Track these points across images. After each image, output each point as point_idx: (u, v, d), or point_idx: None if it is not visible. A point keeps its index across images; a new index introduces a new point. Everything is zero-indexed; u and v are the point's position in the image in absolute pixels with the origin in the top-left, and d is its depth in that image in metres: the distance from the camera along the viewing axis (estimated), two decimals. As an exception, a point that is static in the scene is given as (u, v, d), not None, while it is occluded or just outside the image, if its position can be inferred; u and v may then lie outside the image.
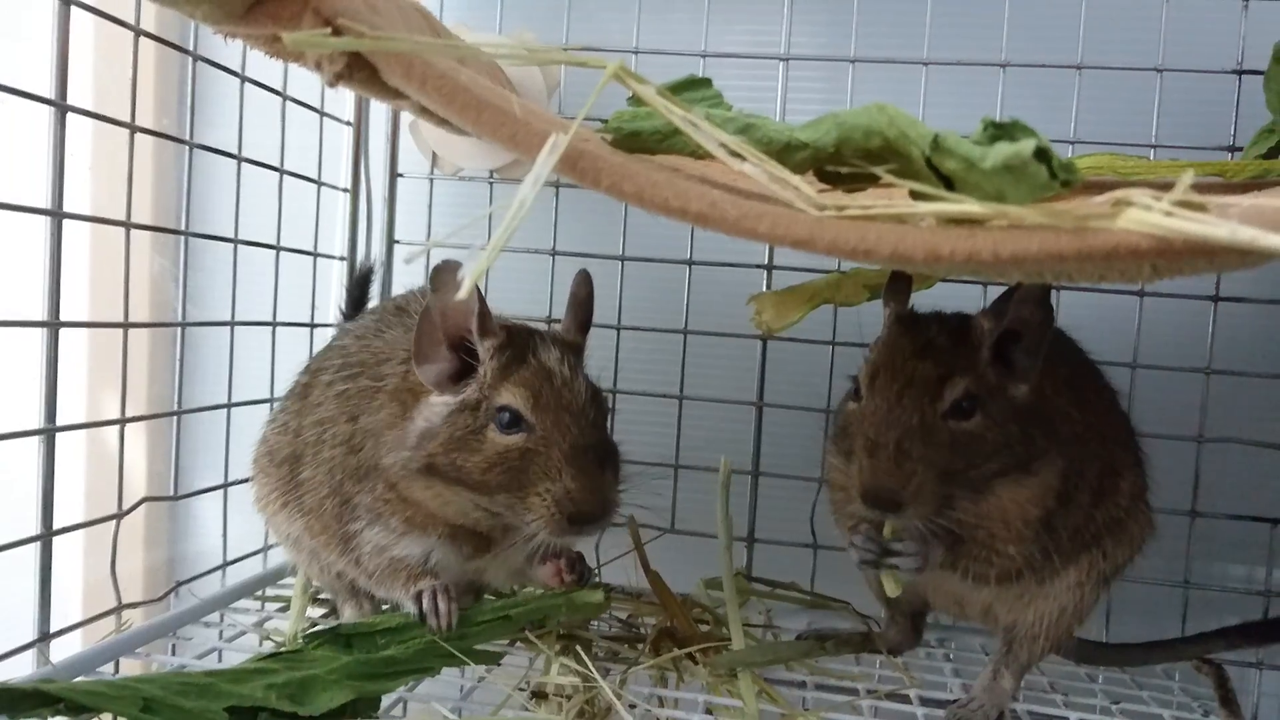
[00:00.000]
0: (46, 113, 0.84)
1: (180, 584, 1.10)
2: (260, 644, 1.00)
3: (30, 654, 0.86)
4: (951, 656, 1.07)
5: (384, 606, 1.01)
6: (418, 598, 0.85)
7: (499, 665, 0.90)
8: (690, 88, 0.69)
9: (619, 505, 0.83)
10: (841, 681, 0.96)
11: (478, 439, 0.80)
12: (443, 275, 0.78)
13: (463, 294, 0.48)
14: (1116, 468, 0.88)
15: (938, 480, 0.76)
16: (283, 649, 0.82)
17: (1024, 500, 0.80)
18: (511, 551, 0.88)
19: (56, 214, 0.85)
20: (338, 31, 0.54)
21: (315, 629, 1.01)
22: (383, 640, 0.83)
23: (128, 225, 0.96)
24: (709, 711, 0.87)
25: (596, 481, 0.80)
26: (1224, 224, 0.42)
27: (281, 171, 1.21)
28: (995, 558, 0.82)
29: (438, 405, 0.83)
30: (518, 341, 0.83)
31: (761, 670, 0.94)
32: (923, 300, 0.88)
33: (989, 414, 0.78)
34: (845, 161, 0.58)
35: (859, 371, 0.82)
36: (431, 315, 0.81)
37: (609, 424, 0.88)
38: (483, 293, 0.80)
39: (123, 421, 0.99)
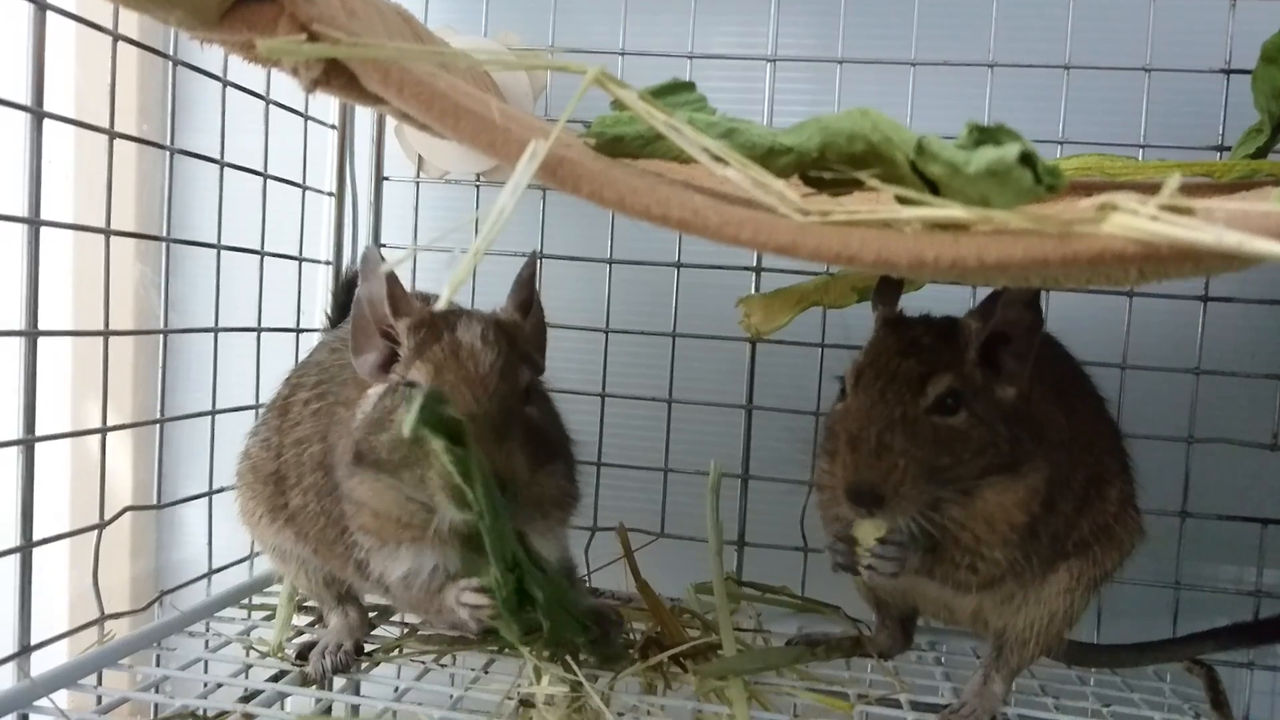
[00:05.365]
0: (24, 119, 0.83)
1: (164, 593, 1.09)
2: (246, 654, 0.99)
3: (11, 667, 0.85)
4: (942, 660, 1.07)
5: (370, 615, 1.00)
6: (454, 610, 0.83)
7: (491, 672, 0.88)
8: (673, 92, 0.68)
9: (526, 477, 0.78)
10: (832, 687, 0.95)
11: (390, 418, 0.79)
12: (368, 263, 0.79)
13: (441, 303, 0.47)
14: (1104, 475, 0.88)
15: (921, 476, 0.75)
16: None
17: (1010, 504, 0.80)
18: None
19: (34, 221, 0.84)
20: (314, 37, 0.53)
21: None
22: None
23: (108, 232, 0.95)
24: (698, 719, 0.87)
25: (490, 451, 0.74)
26: (1210, 229, 0.42)
27: (265, 176, 1.20)
28: (980, 563, 0.82)
29: (371, 395, 0.82)
30: (439, 320, 0.81)
31: (751, 676, 0.93)
32: (911, 302, 0.88)
33: (974, 412, 0.77)
34: (829, 166, 0.58)
35: (846, 372, 0.82)
36: (361, 305, 0.81)
37: (552, 412, 0.87)
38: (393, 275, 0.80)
39: (104, 430, 0.98)
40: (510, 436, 0.77)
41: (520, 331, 0.86)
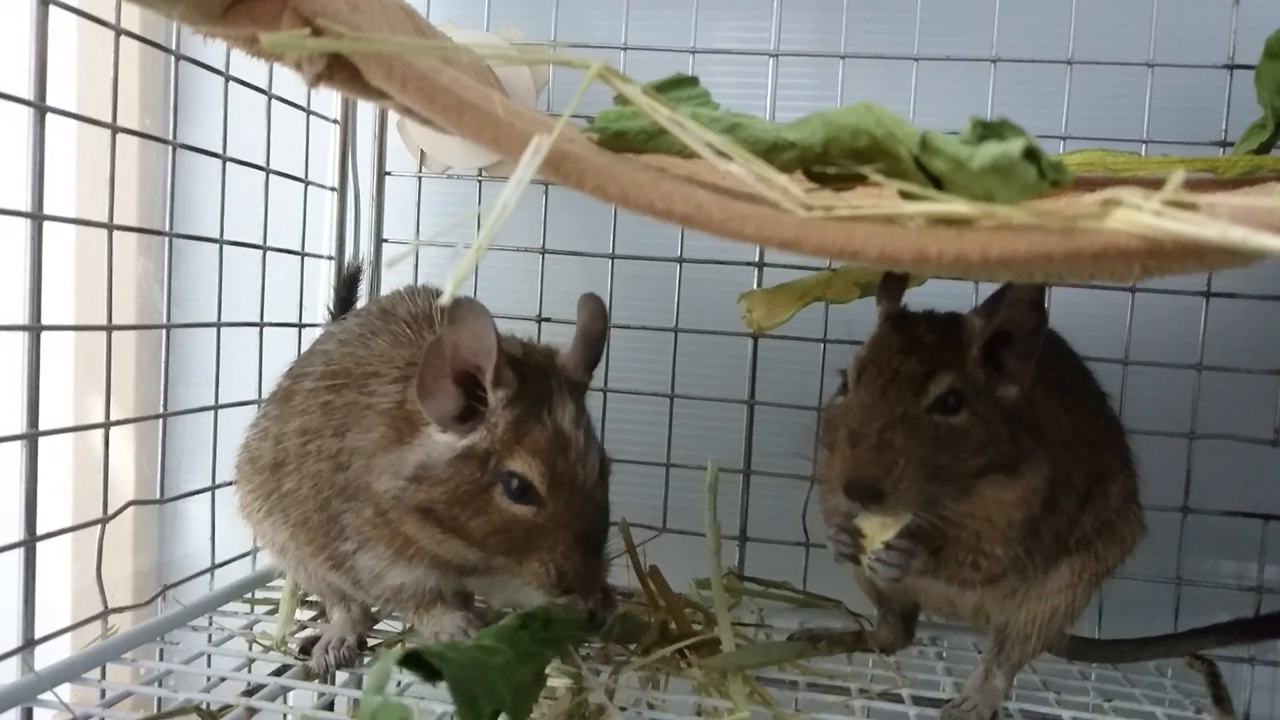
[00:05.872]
0: (26, 114, 0.83)
1: (168, 588, 1.09)
2: (249, 648, 0.99)
3: (15, 661, 0.85)
4: (944, 655, 1.07)
5: (373, 610, 1.00)
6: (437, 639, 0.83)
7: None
8: (676, 86, 0.68)
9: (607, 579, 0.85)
10: (834, 681, 0.95)
11: (484, 498, 0.78)
12: (461, 310, 0.76)
13: (444, 299, 0.48)
14: (1106, 471, 0.88)
15: (920, 474, 0.75)
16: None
17: (1009, 502, 0.80)
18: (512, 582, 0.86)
19: (36, 216, 0.84)
20: (317, 32, 0.53)
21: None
22: None
23: (110, 227, 0.95)
24: (700, 713, 0.87)
25: (593, 564, 0.81)
26: (1214, 224, 0.42)
27: (268, 171, 1.20)
28: (981, 560, 0.82)
29: (441, 444, 0.80)
30: (530, 389, 0.80)
31: (753, 671, 0.93)
32: (915, 298, 0.88)
33: (975, 411, 0.78)
34: (833, 161, 0.58)
35: (848, 367, 0.82)
36: (441, 349, 0.78)
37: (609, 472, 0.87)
38: (498, 335, 0.76)
39: (107, 425, 0.98)
40: (604, 543, 0.83)
41: (586, 391, 0.87)
